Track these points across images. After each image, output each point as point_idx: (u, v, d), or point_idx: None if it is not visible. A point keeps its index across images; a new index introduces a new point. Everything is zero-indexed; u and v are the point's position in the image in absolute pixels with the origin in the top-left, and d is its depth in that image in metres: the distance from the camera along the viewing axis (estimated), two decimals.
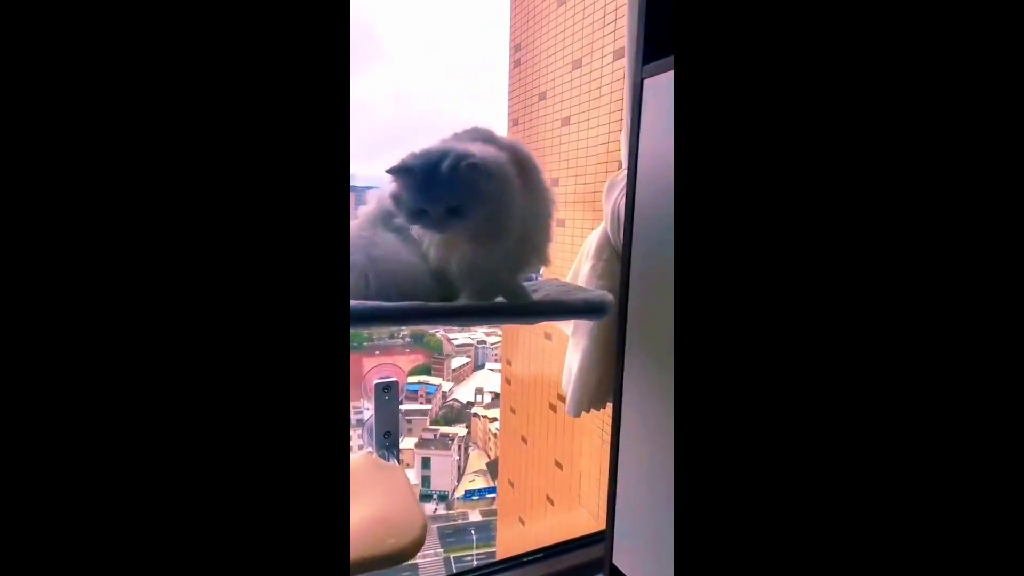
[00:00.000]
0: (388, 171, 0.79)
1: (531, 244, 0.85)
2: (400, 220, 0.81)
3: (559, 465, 1.74)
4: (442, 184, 0.75)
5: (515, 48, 1.90)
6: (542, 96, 1.72)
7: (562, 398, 1.70)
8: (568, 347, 1.16)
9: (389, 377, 1.01)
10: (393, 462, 0.96)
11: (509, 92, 1.94)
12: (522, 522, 1.99)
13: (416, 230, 0.83)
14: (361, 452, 0.96)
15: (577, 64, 1.54)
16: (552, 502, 1.77)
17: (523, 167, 0.83)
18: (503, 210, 0.78)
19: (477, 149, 0.76)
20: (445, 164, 0.75)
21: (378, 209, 0.89)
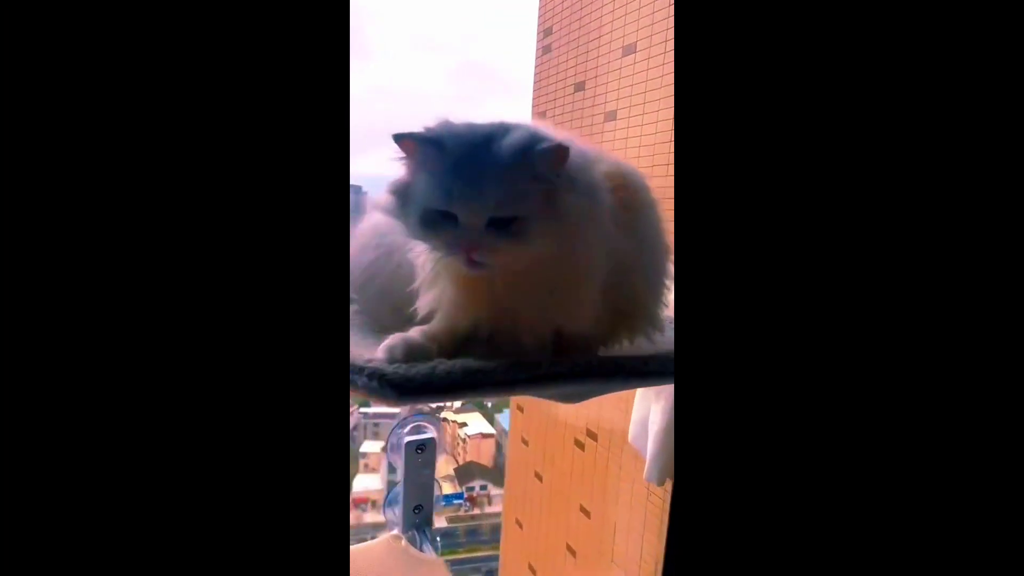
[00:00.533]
0: (396, 137, 0.50)
1: (637, 303, 0.59)
2: (393, 238, 0.55)
3: (585, 512, 1.52)
4: (496, 173, 0.46)
5: (544, 32, 1.67)
6: (579, 86, 1.50)
7: (593, 435, 1.48)
8: (638, 394, 0.94)
9: (425, 432, 0.76)
10: (428, 551, 0.73)
11: (535, 83, 1.71)
12: (533, 571, 1.76)
13: (419, 250, 0.54)
14: (386, 535, 0.72)
15: (630, 49, 1.32)
16: (574, 553, 1.55)
17: (633, 191, 0.58)
18: (590, 240, 0.50)
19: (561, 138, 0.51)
20: (508, 142, 0.47)
21: (369, 225, 0.61)
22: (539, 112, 1.68)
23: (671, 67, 1.21)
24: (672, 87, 1.21)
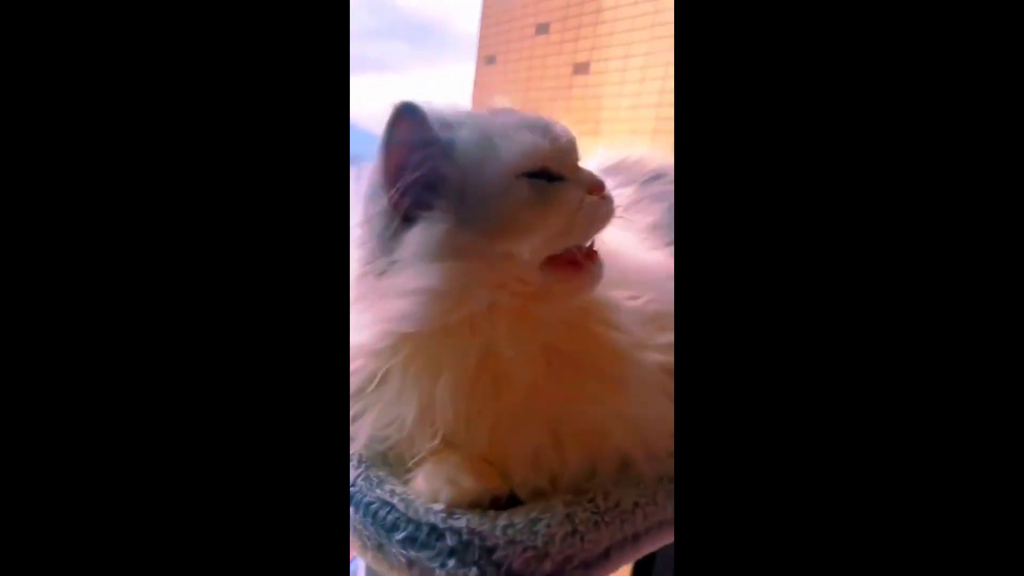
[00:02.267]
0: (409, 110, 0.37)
1: None
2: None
3: None
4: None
5: None
6: (542, 28, 1.24)
7: None
8: None
9: None
10: None
11: (483, 21, 1.43)
12: None
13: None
14: None
15: None
16: None
17: None
18: None
19: None
20: None
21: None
22: (486, 57, 1.40)
23: (669, 11, 0.98)
24: (671, 37, 0.98)
